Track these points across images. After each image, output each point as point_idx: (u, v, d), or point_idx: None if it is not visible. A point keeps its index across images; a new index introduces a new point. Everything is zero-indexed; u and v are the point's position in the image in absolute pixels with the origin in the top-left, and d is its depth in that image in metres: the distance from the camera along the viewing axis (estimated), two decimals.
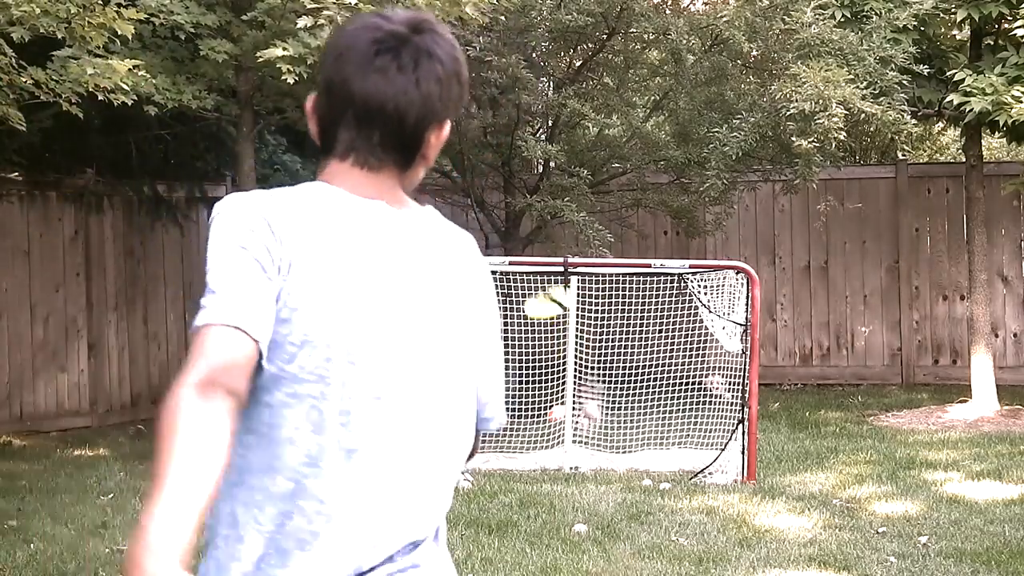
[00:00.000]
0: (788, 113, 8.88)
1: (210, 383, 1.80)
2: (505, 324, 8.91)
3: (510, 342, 8.94)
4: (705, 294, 8.06)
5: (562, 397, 8.39)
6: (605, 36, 10.58)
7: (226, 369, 1.82)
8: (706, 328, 8.20)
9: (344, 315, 1.94)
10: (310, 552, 1.93)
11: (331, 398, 1.93)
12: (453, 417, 2.06)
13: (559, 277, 8.23)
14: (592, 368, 8.70)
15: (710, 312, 7.97)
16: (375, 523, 1.96)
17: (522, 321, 8.70)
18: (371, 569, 1.96)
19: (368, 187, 2.03)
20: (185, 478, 1.74)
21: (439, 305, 2.05)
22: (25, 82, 6.23)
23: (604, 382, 8.93)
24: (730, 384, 8.15)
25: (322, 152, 2.08)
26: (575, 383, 8.37)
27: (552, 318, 8.01)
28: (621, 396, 8.92)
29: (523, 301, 9.22)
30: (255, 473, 1.94)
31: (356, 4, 6.74)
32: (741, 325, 7.87)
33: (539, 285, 8.61)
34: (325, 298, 1.94)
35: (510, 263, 8.54)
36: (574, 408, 8.43)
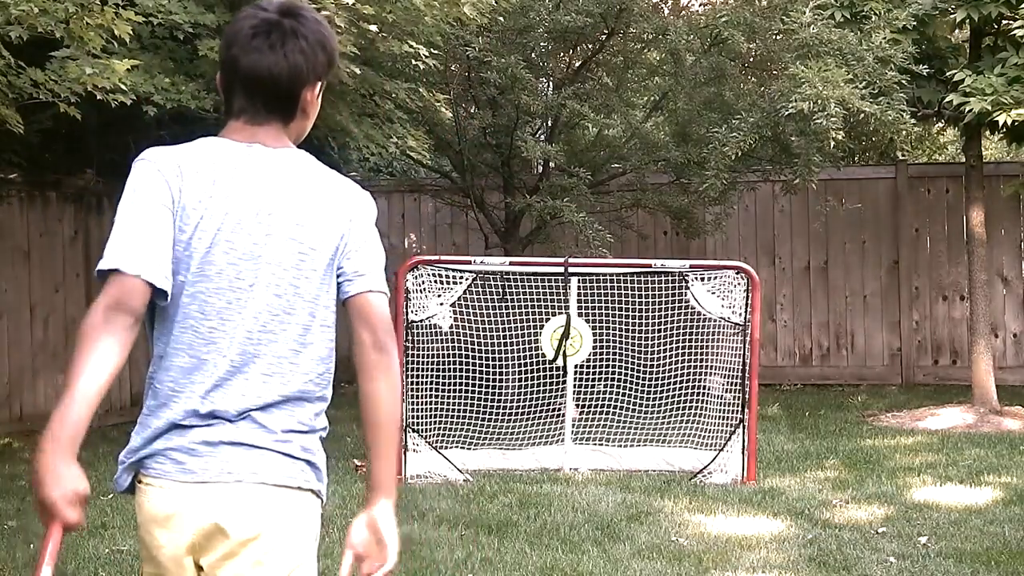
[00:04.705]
0: (787, 113, 8.89)
1: (113, 306, 2.41)
2: (505, 324, 8.93)
3: (510, 342, 8.94)
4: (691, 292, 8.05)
5: (562, 397, 8.38)
6: (604, 36, 10.58)
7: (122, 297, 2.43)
8: (705, 325, 8.20)
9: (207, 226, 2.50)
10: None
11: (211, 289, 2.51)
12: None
13: (560, 279, 8.22)
14: (591, 368, 8.70)
15: (699, 301, 7.95)
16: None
17: (522, 321, 8.71)
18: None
19: (250, 136, 2.58)
20: (79, 385, 2.34)
21: (272, 215, 2.54)
22: (24, 83, 6.23)
23: (604, 382, 8.93)
24: (730, 384, 8.15)
25: (225, 114, 2.63)
26: (575, 383, 8.37)
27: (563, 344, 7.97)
28: (621, 396, 8.91)
29: (523, 301, 9.22)
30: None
31: (353, 3, 6.74)
32: (740, 325, 7.87)
33: (539, 285, 8.60)
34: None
35: (510, 263, 8.53)
36: (575, 408, 8.43)
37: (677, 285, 8.41)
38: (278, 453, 2.50)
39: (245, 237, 2.51)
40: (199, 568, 2.54)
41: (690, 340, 8.66)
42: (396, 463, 2.62)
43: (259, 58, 2.55)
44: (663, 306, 8.69)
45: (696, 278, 8.04)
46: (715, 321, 8.05)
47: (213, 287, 2.50)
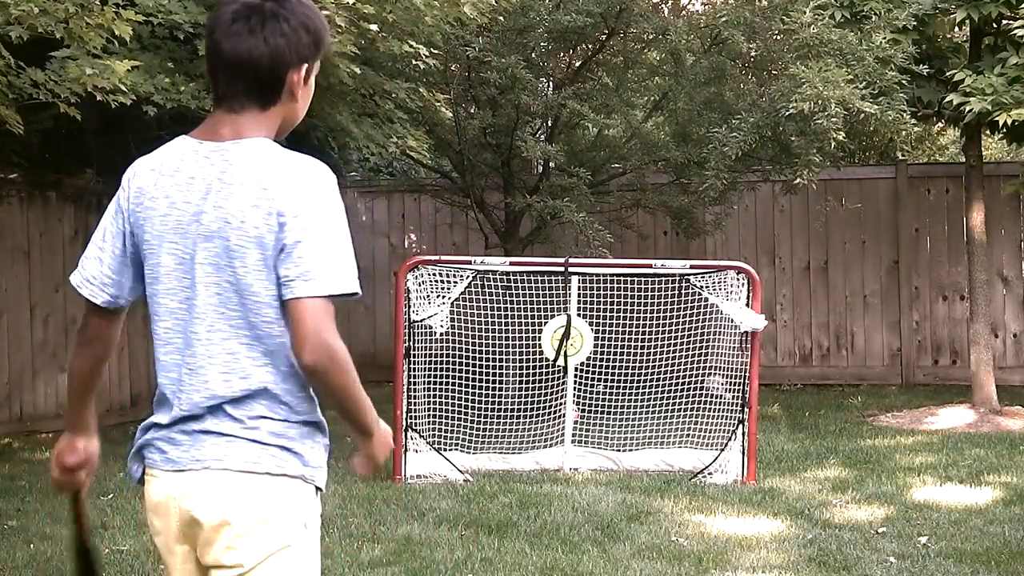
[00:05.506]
0: (787, 113, 8.88)
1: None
2: (505, 324, 8.92)
3: (510, 342, 8.94)
4: (707, 293, 8.06)
5: (562, 397, 8.38)
6: (604, 36, 10.58)
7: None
8: (705, 325, 8.19)
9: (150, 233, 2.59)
10: None
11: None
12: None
13: (561, 278, 8.22)
14: (592, 368, 8.69)
15: (719, 299, 7.96)
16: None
17: (521, 321, 8.70)
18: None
19: (213, 131, 2.59)
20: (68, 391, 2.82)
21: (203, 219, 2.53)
22: (24, 83, 6.23)
23: (604, 382, 8.93)
24: (730, 384, 8.15)
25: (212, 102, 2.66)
26: (575, 383, 8.36)
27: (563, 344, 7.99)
28: (621, 396, 8.91)
29: (523, 301, 9.21)
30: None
31: (354, 3, 6.73)
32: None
33: (539, 285, 8.60)
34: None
35: (510, 263, 8.53)
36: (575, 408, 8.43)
37: (677, 285, 8.41)
38: (245, 440, 2.52)
39: (183, 238, 2.54)
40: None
41: (690, 340, 8.66)
42: (362, 418, 2.58)
43: (239, 42, 2.54)
44: (663, 306, 8.69)
45: (697, 280, 8.04)
46: (716, 321, 8.05)
47: (164, 288, 2.57)
